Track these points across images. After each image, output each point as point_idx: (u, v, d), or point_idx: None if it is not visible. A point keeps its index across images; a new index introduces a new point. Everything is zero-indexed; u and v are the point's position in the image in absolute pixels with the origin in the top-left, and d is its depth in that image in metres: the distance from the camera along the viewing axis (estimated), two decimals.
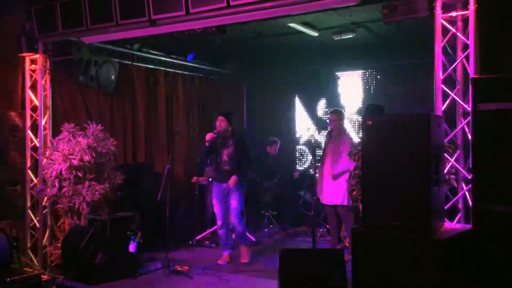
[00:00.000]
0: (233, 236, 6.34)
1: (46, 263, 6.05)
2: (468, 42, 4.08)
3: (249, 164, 6.30)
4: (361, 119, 4.23)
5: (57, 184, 5.82)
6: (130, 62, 7.40)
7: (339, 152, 6.13)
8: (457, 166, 4.17)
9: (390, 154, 3.65)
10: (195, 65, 8.53)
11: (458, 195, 4.18)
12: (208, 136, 6.05)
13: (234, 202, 6.05)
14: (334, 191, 6.17)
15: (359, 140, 6.01)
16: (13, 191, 5.95)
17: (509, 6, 4.19)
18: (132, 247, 6.23)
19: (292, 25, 6.53)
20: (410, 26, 6.32)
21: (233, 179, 5.99)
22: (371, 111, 5.97)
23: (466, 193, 4.14)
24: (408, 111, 8.08)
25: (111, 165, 6.12)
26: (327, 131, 6.31)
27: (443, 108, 4.19)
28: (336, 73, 9.01)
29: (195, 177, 7.67)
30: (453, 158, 4.18)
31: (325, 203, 6.34)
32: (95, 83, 6.67)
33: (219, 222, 6.17)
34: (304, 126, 9.50)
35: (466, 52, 4.10)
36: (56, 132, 6.16)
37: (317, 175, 6.54)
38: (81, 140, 5.81)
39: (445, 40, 4.21)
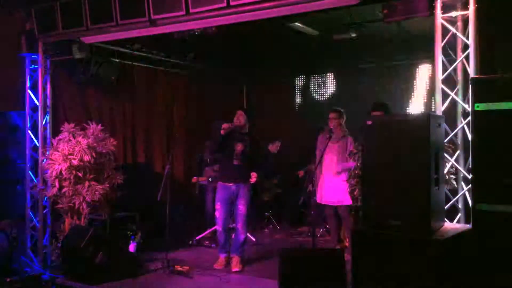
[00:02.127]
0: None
1: (46, 263, 6.05)
2: (468, 42, 4.08)
3: (264, 164, 6.08)
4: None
5: (57, 184, 5.82)
6: (130, 62, 7.41)
7: (341, 153, 6.15)
8: (457, 166, 4.17)
9: (390, 154, 3.65)
10: (195, 65, 8.53)
11: (458, 195, 4.18)
12: (225, 125, 5.70)
13: (242, 208, 5.79)
14: (334, 191, 6.18)
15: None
16: (13, 191, 5.95)
17: (509, 6, 4.19)
18: (132, 247, 6.23)
19: (292, 25, 6.53)
20: (410, 26, 6.33)
21: (254, 175, 5.74)
22: (379, 109, 5.88)
23: (466, 193, 4.14)
24: (408, 111, 8.18)
25: (111, 165, 6.11)
26: (324, 130, 6.27)
27: (443, 108, 4.19)
28: (337, 73, 9.02)
29: (195, 177, 7.67)
30: (453, 158, 4.18)
31: (325, 203, 6.35)
32: (95, 83, 6.68)
33: (219, 228, 5.90)
34: (304, 126, 9.49)
35: (466, 52, 4.10)
36: (56, 132, 6.16)
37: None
38: (81, 140, 5.81)
39: (445, 40, 4.21)
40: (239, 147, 5.82)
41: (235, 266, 5.83)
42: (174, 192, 6.64)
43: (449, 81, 4.26)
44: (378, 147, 3.74)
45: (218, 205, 5.88)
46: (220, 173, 6.14)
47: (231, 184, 5.82)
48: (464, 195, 4.17)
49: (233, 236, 6.05)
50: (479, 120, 3.56)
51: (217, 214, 5.89)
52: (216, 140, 5.86)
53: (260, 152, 5.97)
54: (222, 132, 5.71)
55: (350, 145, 6.09)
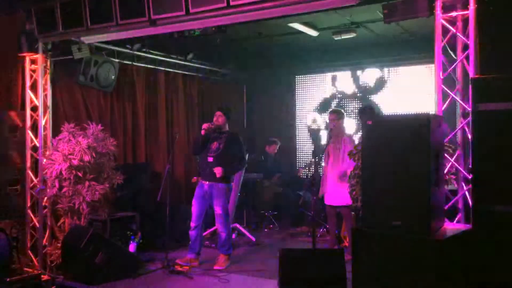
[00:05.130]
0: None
1: (46, 263, 6.05)
2: (468, 42, 4.08)
3: (240, 161, 6.12)
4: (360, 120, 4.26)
5: (57, 184, 5.82)
6: (130, 62, 7.40)
7: (339, 153, 6.18)
8: (457, 166, 4.17)
9: (390, 154, 3.65)
10: (195, 65, 8.53)
11: (458, 195, 4.18)
12: (205, 124, 6.00)
13: (218, 208, 5.94)
14: (337, 192, 6.18)
15: (358, 140, 6.09)
16: (13, 191, 5.95)
17: (509, 6, 4.19)
18: (132, 247, 6.22)
19: (292, 25, 6.54)
20: (410, 26, 6.34)
21: (219, 169, 5.83)
22: (367, 113, 6.02)
23: (466, 193, 4.14)
24: (408, 111, 8.18)
25: (111, 165, 6.11)
26: (328, 131, 6.31)
27: (443, 108, 4.19)
28: (336, 73, 9.03)
29: (195, 177, 7.65)
30: (453, 158, 4.17)
31: (327, 203, 6.37)
32: (95, 83, 6.67)
33: (192, 224, 6.02)
34: (304, 126, 9.51)
35: (466, 52, 4.10)
36: (56, 132, 6.16)
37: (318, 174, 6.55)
38: (81, 140, 5.81)
39: (445, 40, 4.21)
40: (214, 144, 6.04)
41: (218, 265, 5.94)
42: (174, 192, 6.66)
43: (449, 81, 4.27)
44: (378, 147, 3.74)
45: (193, 201, 6.11)
46: (198, 169, 6.33)
47: (205, 182, 6.02)
48: (464, 195, 4.17)
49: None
50: (479, 120, 3.56)
51: (192, 209, 6.09)
52: (198, 140, 6.16)
53: (235, 151, 6.05)
54: (202, 132, 6.01)
55: (345, 145, 6.14)
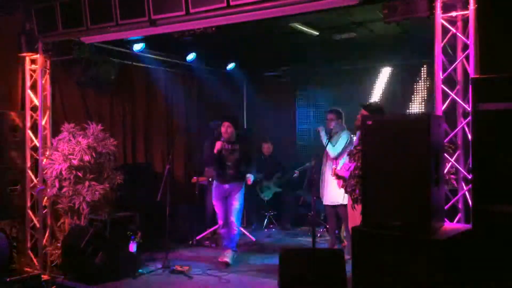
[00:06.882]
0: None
1: (46, 263, 6.05)
2: (468, 42, 4.07)
3: (255, 162, 6.42)
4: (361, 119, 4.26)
5: (57, 184, 5.82)
6: (130, 62, 7.40)
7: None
8: (457, 166, 4.17)
9: (390, 154, 3.65)
10: (195, 65, 8.52)
11: (458, 195, 4.18)
12: (218, 145, 6.05)
13: (235, 203, 6.14)
14: (334, 191, 6.19)
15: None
16: (13, 191, 5.95)
17: (509, 6, 4.19)
18: (132, 247, 6.21)
19: (293, 25, 6.53)
20: (410, 25, 6.33)
21: (249, 179, 6.26)
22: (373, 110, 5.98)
23: (466, 193, 4.13)
24: (409, 111, 8.20)
25: (111, 165, 6.11)
26: (326, 131, 6.29)
27: (443, 108, 4.19)
28: (336, 73, 9.02)
29: (195, 177, 7.67)
30: (453, 158, 4.17)
31: (326, 203, 6.36)
32: (95, 83, 6.67)
33: (220, 222, 6.27)
34: (304, 126, 9.51)
35: (466, 52, 4.10)
36: (56, 132, 6.16)
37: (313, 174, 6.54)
38: (81, 140, 5.81)
39: (445, 40, 4.21)
40: (230, 160, 6.18)
41: (224, 257, 6.07)
42: (174, 192, 6.65)
43: (449, 81, 4.26)
44: (378, 147, 3.74)
45: (215, 201, 6.30)
46: (215, 175, 6.44)
47: (225, 184, 6.22)
48: (464, 195, 4.17)
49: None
50: (479, 120, 3.56)
51: (216, 209, 6.30)
52: (211, 158, 6.21)
53: (250, 153, 6.30)
54: (215, 151, 6.08)
55: (341, 140, 6.19)
